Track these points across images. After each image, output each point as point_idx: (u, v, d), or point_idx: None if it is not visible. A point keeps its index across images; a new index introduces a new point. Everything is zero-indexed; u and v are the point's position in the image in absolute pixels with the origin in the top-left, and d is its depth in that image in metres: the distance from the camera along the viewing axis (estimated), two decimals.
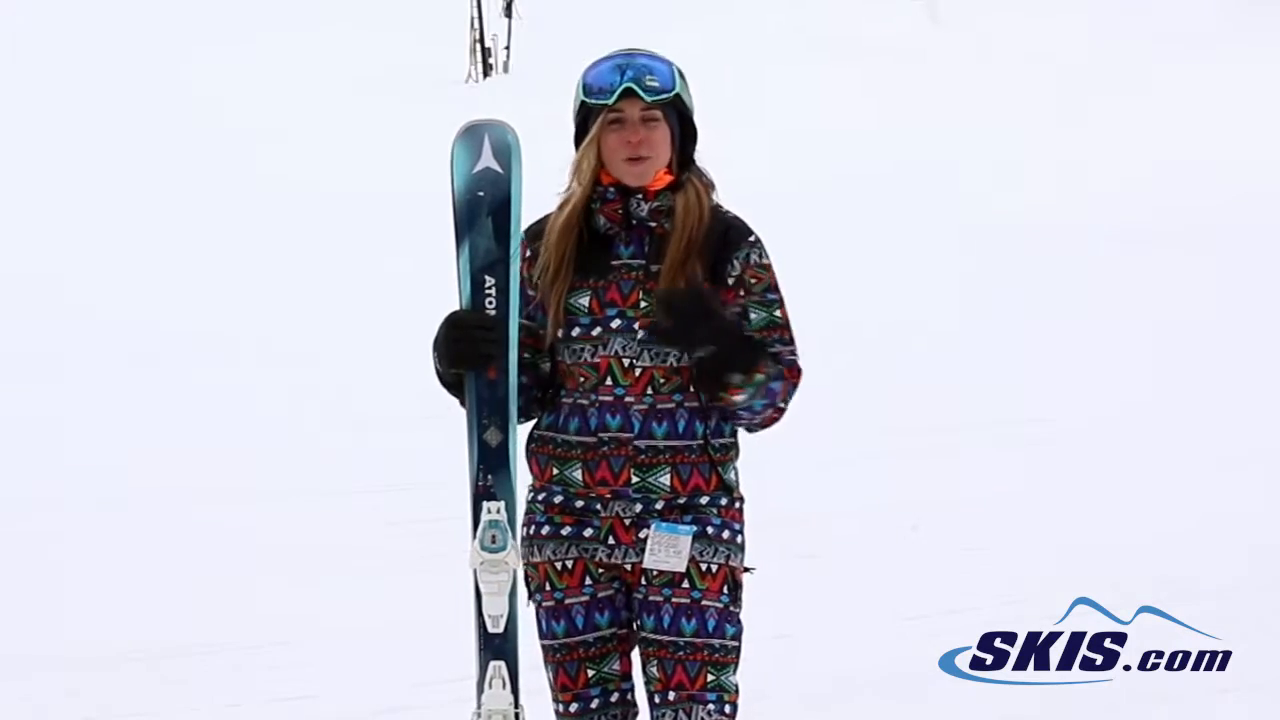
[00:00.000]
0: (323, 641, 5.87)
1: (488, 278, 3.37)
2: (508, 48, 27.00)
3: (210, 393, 10.22)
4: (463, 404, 3.42)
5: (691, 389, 3.45)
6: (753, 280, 3.46)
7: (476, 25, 26.62)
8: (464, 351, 3.35)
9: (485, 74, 26.35)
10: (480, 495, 3.38)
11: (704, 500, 3.47)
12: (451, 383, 3.43)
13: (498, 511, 3.37)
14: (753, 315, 3.45)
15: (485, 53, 26.59)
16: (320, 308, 13.08)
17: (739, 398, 3.37)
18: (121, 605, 6.34)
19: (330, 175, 18.81)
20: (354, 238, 15.90)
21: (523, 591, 3.45)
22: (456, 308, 3.39)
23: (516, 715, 3.38)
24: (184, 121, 21.54)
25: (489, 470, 3.38)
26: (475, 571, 3.37)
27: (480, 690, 3.39)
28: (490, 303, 3.37)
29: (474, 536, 3.38)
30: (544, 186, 3.51)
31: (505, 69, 26.67)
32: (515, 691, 3.38)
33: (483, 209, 3.39)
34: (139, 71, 24.11)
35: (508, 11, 27.59)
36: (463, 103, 20.15)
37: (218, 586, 6.55)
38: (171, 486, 8.07)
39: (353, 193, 17.80)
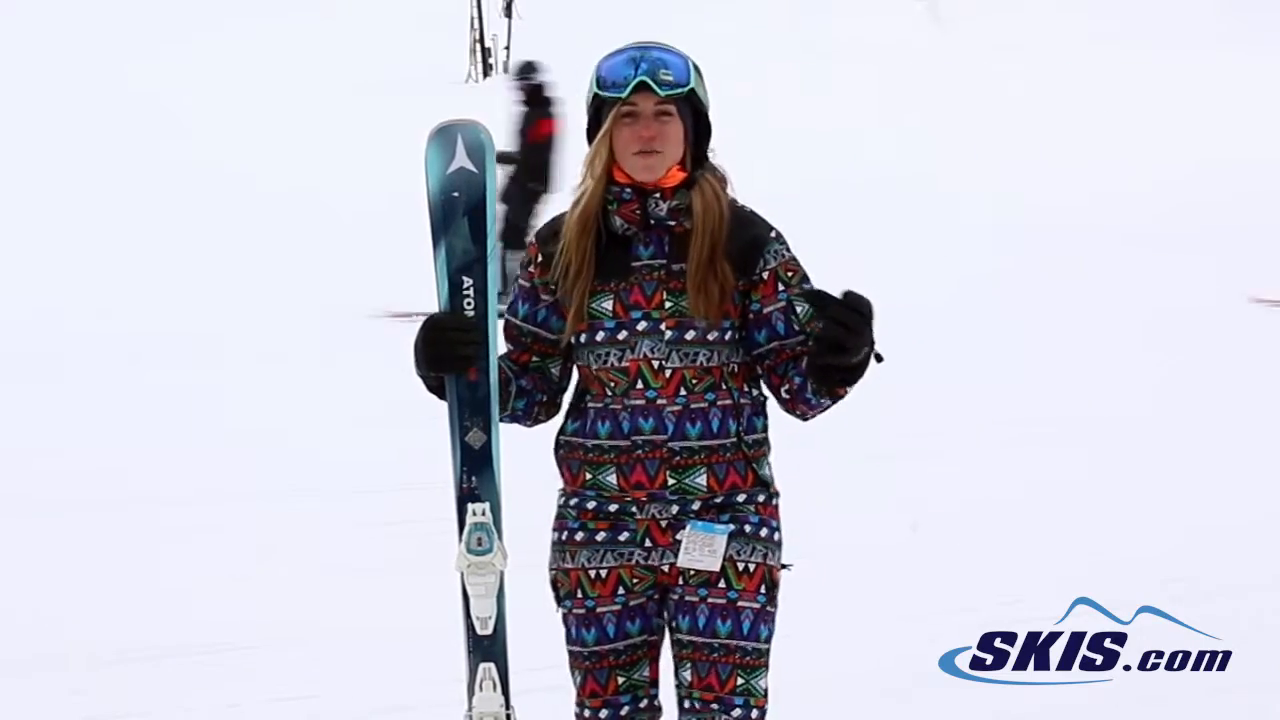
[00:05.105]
0: (323, 641, 5.87)
1: (465, 279, 3.36)
2: (508, 48, 26.99)
3: (209, 393, 10.21)
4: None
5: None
6: (790, 274, 3.43)
7: (476, 25, 26.62)
8: (443, 354, 3.32)
9: (485, 74, 26.35)
10: (465, 497, 3.37)
11: (741, 498, 3.44)
12: (434, 386, 3.40)
13: (483, 514, 3.36)
14: (798, 308, 3.41)
15: (485, 53, 26.59)
16: (321, 308, 13.07)
17: (844, 395, 3.34)
18: (121, 605, 6.33)
19: (331, 176, 18.80)
20: (355, 238, 15.89)
21: (509, 593, 3.41)
22: (435, 310, 3.36)
23: (508, 717, 3.38)
24: (185, 123, 21.53)
25: (473, 472, 3.37)
26: (462, 574, 3.36)
27: (471, 693, 3.38)
28: (469, 304, 3.35)
29: (459, 539, 3.36)
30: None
31: (505, 69, 26.64)
32: (506, 693, 3.37)
33: (458, 210, 3.37)
34: (141, 73, 24.10)
35: (508, 11, 27.59)
36: (463, 103, 20.14)
37: (218, 586, 6.54)
38: (170, 486, 8.07)
39: (353, 193, 17.79)
